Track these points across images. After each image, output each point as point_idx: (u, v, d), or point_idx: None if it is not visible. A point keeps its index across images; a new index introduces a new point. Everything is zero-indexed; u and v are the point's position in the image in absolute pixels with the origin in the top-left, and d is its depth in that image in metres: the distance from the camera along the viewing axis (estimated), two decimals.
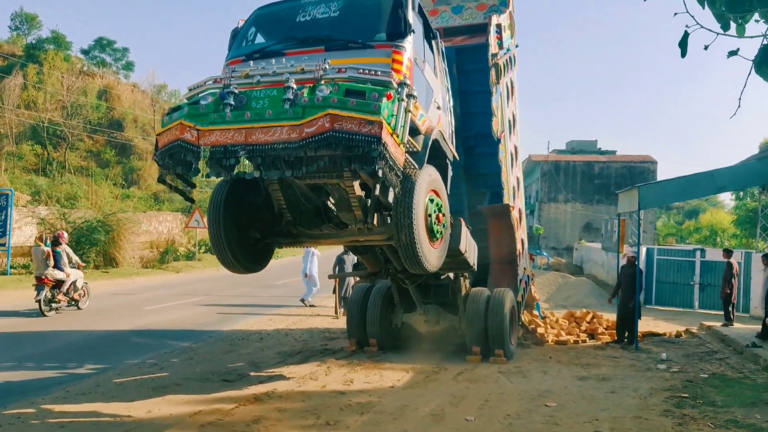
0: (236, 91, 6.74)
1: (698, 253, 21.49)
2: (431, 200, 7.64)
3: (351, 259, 16.98)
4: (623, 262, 14.46)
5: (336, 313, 16.68)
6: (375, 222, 8.08)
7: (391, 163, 6.43)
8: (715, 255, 21.60)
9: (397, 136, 6.53)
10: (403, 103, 6.72)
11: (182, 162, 6.99)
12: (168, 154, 6.96)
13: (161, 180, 7.38)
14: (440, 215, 7.88)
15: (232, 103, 6.67)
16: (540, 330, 13.76)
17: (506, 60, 12.37)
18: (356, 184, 7.63)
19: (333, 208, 8.66)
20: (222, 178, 7.81)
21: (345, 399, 8.61)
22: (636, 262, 13.64)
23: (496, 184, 12.22)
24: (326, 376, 9.93)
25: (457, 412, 8.06)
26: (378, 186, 7.44)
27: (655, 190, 13.12)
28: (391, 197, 7.68)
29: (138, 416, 7.68)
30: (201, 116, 6.75)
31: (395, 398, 8.66)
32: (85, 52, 53.25)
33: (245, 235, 8.33)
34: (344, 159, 6.60)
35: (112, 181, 39.20)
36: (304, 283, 18.87)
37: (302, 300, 18.41)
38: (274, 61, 7.16)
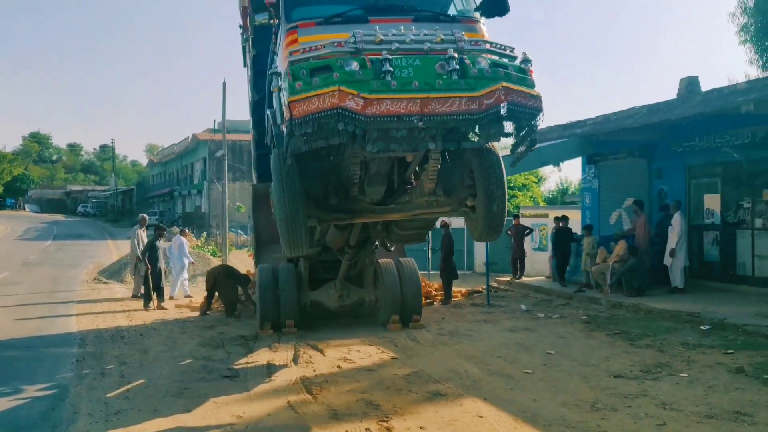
0: (390, 57, 6.34)
1: None
2: None
3: (162, 244, 15.57)
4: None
5: (147, 304, 14.67)
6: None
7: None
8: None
9: None
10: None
11: (336, 131, 6.24)
12: (318, 123, 6.12)
13: (294, 153, 6.42)
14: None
15: (392, 70, 6.30)
16: None
17: None
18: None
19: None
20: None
21: (402, 370, 8.65)
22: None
23: None
24: (323, 357, 9.61)
25: (506, 368, 8.68)
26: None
27: None
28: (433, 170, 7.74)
29: (251, 416, 6.53)
30: (360, 83, 6.20)
31: (429, 365, 8.92)
32: None
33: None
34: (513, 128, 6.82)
35: None
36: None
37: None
38: (403, 28, 6.82)
